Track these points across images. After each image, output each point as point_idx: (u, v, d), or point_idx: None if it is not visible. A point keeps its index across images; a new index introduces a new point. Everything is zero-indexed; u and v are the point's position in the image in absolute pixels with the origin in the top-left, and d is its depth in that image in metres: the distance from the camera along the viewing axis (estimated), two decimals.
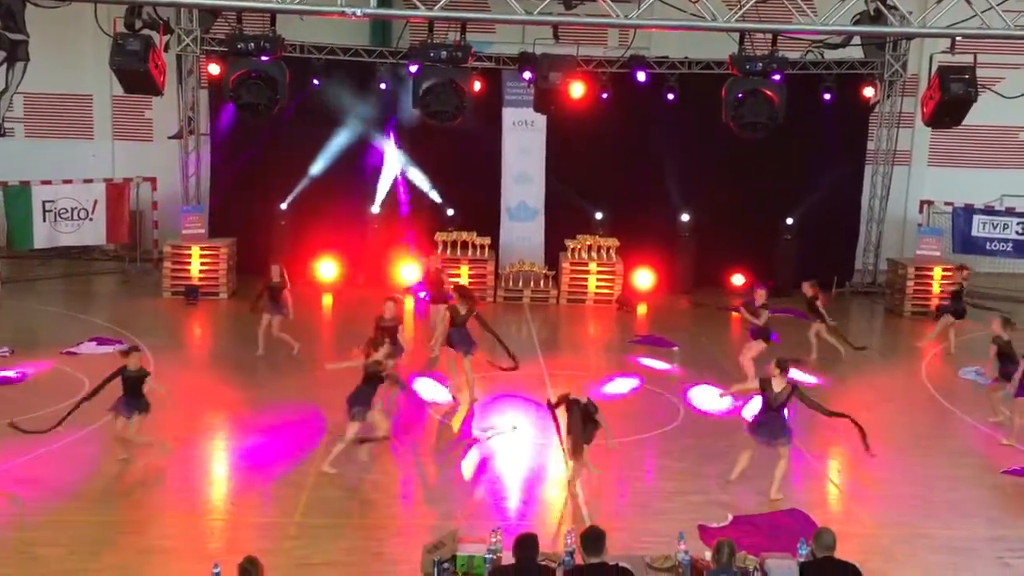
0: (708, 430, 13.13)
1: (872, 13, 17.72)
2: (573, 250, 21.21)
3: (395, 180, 21.86)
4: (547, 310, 20.49)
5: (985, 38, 14.91)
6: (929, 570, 9.72)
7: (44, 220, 21.30)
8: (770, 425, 11.05)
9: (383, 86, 20.96)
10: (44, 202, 21.25)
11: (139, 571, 9.24)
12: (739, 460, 11.33)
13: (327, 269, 21.38)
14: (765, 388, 11.03)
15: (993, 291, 22.13)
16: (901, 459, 12.71)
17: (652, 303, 20.97)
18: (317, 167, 21.53)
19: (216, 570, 7.18)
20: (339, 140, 21.47)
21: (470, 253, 20.98)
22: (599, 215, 21.76)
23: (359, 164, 21.67)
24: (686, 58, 21.26)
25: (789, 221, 21.84)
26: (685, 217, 21.86)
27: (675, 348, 17.52)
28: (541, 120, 21.33)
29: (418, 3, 14.06)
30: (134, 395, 11.46)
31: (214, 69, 19.71)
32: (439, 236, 21.11)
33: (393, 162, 21.82)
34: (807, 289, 16.82)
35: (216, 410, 13.75)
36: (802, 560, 7.67)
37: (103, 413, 12.97)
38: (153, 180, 22.32)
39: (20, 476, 11.09)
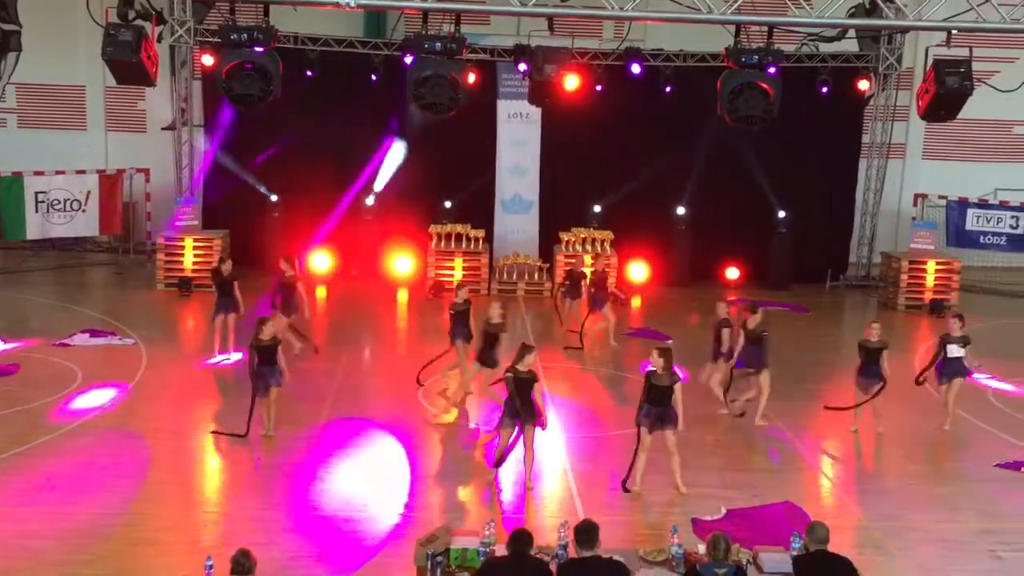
0: (699, 423, 13.12)
1: (867, 6, 17.67)
2: (567, 243, 21.19)
3: (391, 172, 21.79)
4: (542, 302, 20.46)
5: (981, 31, 14.88)
6: (922, 563, 9.73)
7: (37, 211, 21.23)
8: (659, 413, 10.95)
9: (374, 78, 20.90)
10: (37, 193, 21.18)
11: (131, 563, 9.22)
12: (637, 465, 11.08)
13: (320, 261, 21.34)
14: (651, 378, 10.97)
15: (985, 284, 22.19)
16: (894, 452, 12.74)
17: (647, 296, 20.97)
18: (311, 159, 21.46)
19: (209, 563, 7.16)
20: (332, 131, 21.37)
21: (464, 246, 20.95)
22: (597, 208, 21.73)
23: (352, 156, 21.59)
24: (681, 51, 21.23)
25: (784, 214, 21.83)
26: (680, 210, 21.84)
27: (669, 341, 17.50)
28: (536, 112, 21.31)
29: None
30: (270, 364, 11.92)
31: (208, 60, 19.66)
32: (433, 228, 21.09)
33: (392, 154, 21.74)
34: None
35: (209, 402, 13.71)
36: (795, 553, 7.67)
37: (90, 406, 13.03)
38: (146, 171, 22.26)
39: (10, 467, 11.06)
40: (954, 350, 13.10)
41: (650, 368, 11.08)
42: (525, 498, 10.89)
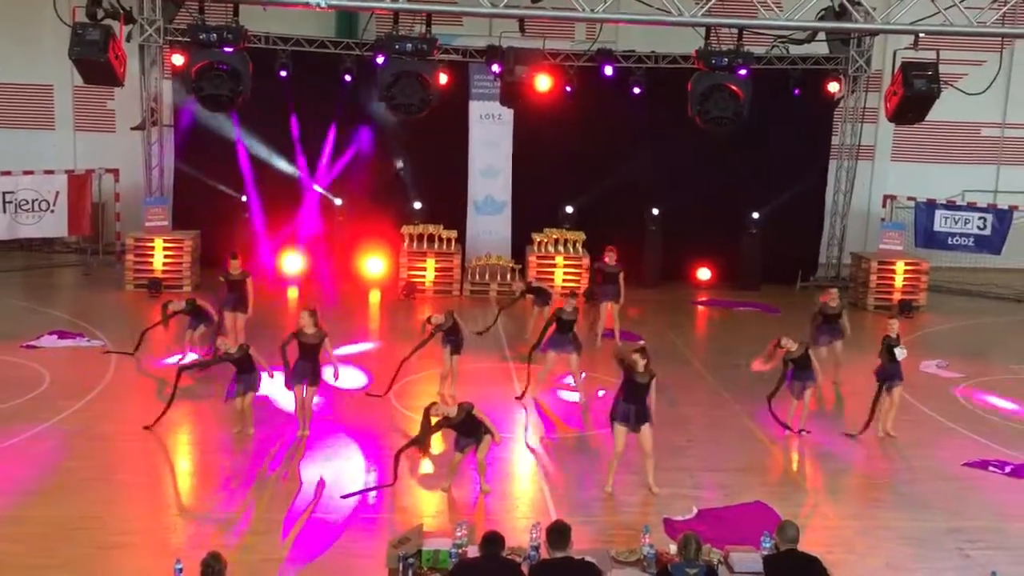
0: (671, 424, 13.16)
1: (836, 9, 17.77)
2: (540, 243, 21.21)
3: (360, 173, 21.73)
4: (514, 304, 20.40)
5: (948, 35, 15.03)
6: (891, 561, 9.81)
7: (4, 211, 20.98)
8: (638, 412, 10.97)
9: (348, 78, 20.84)
10: (4, 193, 20.92)
11: (100, 567, 9.14)
12: (611, 466, 11.13)
13: (292, 262, 21.23)
14: (630, 375, 10.99)
15: (952, 285, 22.39)
16: (863, 451, 12.83)
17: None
18: (281, 159, 21.40)
19: (178, 566, 7.12)
20: (303, 131, 21.30)
21: (436, 246, 20.91)
22: (569, 209, 21.73)
23: (323, 156, 21.50)
24: (653, 52, 21.29)
25: (755, 215, 21.94)
26: (651, 211, 21.89)
27: (640, 342, 17.52)
28: (508, 113, 21.29)
29: None
30: (246, 371, 12.13)
31: (177, 60, 19.52)
32: (405, 229, 21.03)
33: (360, 154, 21.69)
34: None
35: (179, 403, 13.59)
36: (766, 553, 7.72)
37: (58, 409, 12.90)
38: (116, 171, 22.05)
39: None
40: (901, 352, 12.82)
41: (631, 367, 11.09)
42: (495, 499, 10.89)
